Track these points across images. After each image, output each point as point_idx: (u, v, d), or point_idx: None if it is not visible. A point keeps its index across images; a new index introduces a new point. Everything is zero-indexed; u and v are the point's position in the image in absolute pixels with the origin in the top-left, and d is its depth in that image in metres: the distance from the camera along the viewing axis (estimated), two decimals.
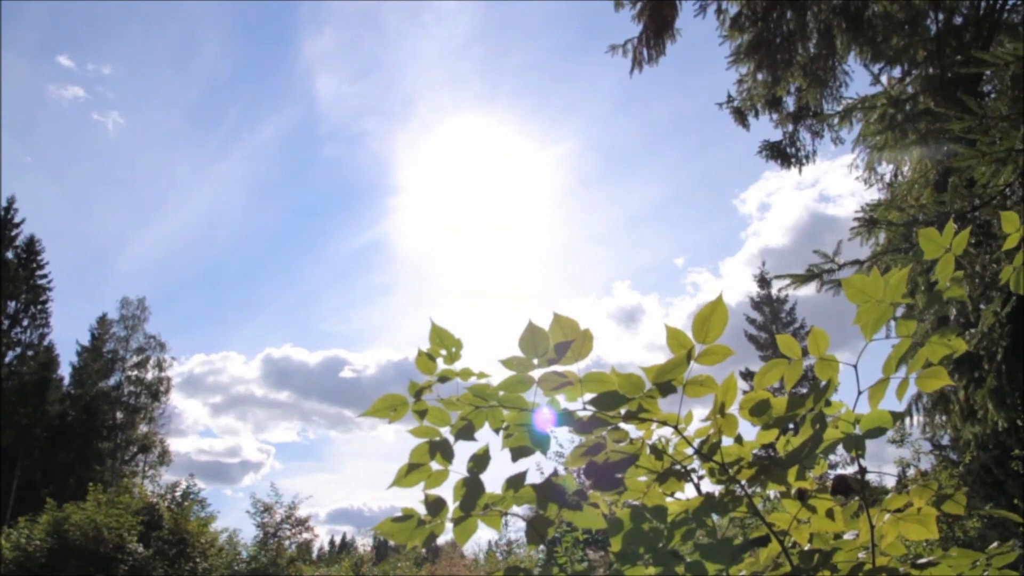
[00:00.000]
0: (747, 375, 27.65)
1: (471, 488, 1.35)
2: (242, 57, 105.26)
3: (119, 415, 40.73)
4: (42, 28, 72.87)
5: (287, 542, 19.50)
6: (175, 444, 63.50)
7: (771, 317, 30.05)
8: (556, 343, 1.35)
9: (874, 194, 7.03)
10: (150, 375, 42.39)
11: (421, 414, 1.38)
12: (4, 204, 39.01)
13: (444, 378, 1.37)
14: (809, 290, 4.64)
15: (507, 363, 1.34)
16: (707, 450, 1.53)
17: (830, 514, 1.52)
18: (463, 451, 1.48)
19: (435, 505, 1.33)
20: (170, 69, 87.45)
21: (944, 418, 5.33)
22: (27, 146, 67.90)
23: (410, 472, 1.37)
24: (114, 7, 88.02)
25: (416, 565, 20.92)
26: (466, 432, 1.39)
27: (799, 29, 5.65)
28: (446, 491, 1.44)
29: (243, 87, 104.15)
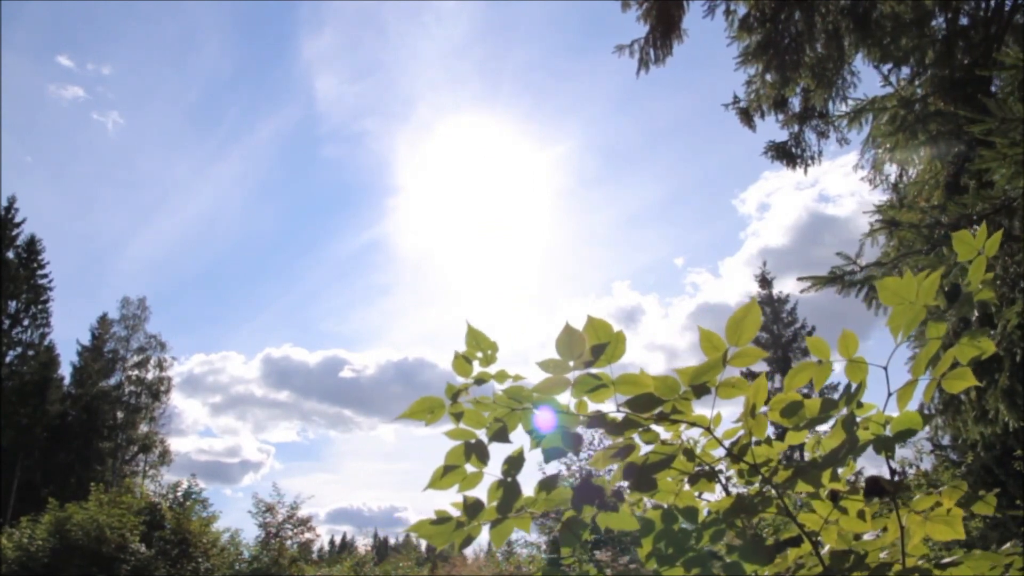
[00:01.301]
0: (747, 375, 27.66)
1: (508, 491, 1.35)
2: (242, 57, 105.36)
3: (119, 415, 40.68)
4: (42, 28, 72.91)
5: (289, 542, 19.49)
6: (175, 444, 63.44)
7: (772, 317, 30.05)
8: (592, 345, 1.36)
9: (879, 195, 7.03)
10: (150, 375, 42.37)
11: (457, 416, 1.38)
12: (4, 204, 38.98)
13: (481, 380, 1.37)
14: (810, 291, 4.63)
15: (544, 365, 1.34)
16: (738, 451, 1.54)
17: (861, 515, 1.52)
18: (493, 452, 1.48)
19: (473, 508, 1.33)
20: (170, 69, 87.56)
21: (949, 419, 5.33)
22: (27, 146, 67.92)
23: (446, 474, 1.37)
24: (114, 7, 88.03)
25: (417, 565, 20.94)
26: (501, 434, 1.39)
27: (807, 30, 5.65)
28: (478, 493, 1.44)
29: (243, 87, 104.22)
